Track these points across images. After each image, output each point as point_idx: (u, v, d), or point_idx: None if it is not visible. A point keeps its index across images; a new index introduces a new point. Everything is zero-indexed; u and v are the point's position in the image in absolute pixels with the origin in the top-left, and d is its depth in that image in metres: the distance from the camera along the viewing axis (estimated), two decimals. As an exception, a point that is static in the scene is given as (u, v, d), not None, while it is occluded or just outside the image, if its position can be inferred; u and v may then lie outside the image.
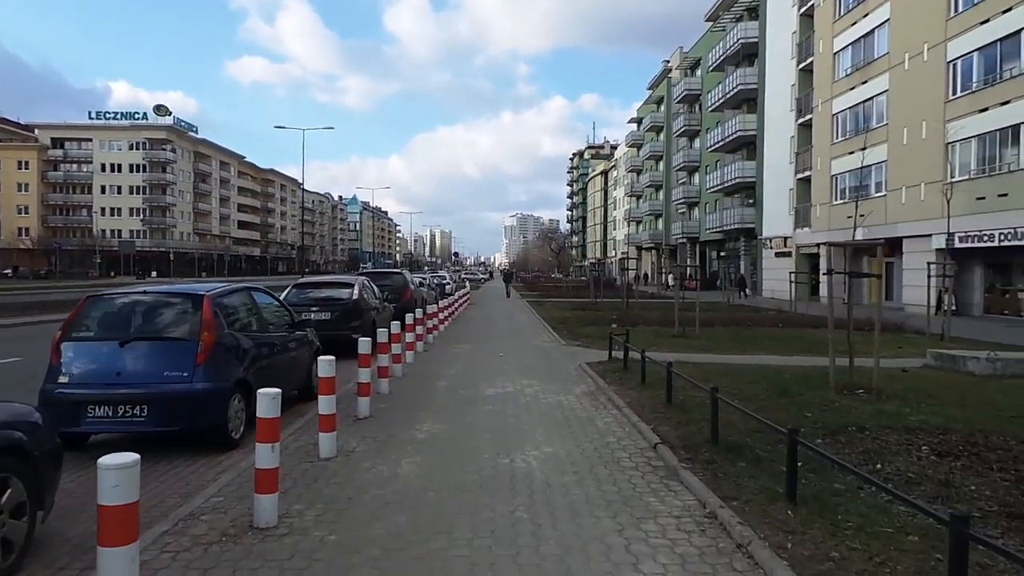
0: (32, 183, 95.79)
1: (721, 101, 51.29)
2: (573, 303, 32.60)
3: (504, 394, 8.86)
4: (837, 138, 35.88)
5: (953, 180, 26.82)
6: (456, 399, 8.56)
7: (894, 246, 33.29)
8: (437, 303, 20.19)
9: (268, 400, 4.49)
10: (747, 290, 50.80)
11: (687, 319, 17.94)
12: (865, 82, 33.07)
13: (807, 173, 39.18)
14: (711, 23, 57.32)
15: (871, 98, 32.82)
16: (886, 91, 31.33)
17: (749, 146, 49.44)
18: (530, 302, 34.28)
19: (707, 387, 6.41)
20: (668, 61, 76.54)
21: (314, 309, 12.69)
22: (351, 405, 7.73)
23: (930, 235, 28.18)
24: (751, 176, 47.44)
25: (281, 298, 13.15)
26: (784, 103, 42.65)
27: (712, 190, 54.00)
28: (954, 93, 27.00)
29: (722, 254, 59.90)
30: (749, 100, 49.18)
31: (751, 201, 48.18)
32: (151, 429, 6.01)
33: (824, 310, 28.39)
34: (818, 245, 38.38)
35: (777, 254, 43.91)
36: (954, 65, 27.01)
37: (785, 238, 42.80)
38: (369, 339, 7.89)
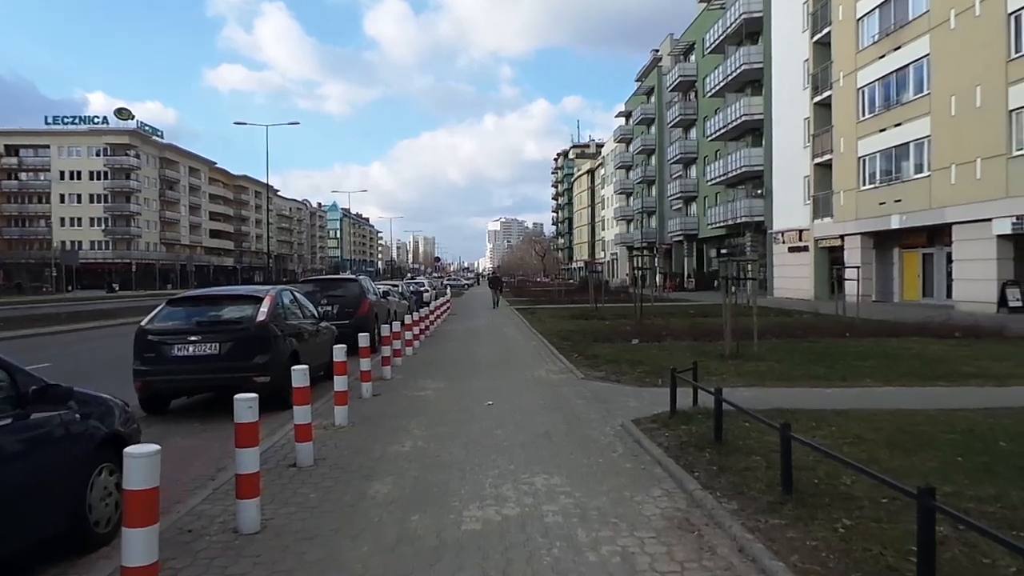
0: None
1: (721, 85, 47.06)
2: (571, 310, 28.03)
3: (502, 531, 4.10)
4: (864, 115, 31.60)
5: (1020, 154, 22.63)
6: (392, 564, 3.84)
7: (934, 234, 29.09)
8: (411, 315, 15.59)
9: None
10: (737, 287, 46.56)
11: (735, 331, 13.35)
12: (898, 48, 28.79)
13: (827, 157, 34.90)
14: (705, 3, 53.13)
15: (906, 66, 28.53)
16: (926, 56, 27.04)
17: (755, 132, 45.21)
18: (520, 310, 29.65)
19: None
20: (657, 50, 72.44)
21: (193, 339, 7.97)
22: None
23: (990, 219, 23.89)
24: (758, 164, 43.17)
25: (145, 322, 8.50)
26: (796, 81, 38.39)
27: (713, 182, 49.72)
28: (1019, 51, 22.72)
29: (723, 251, 55.66)
30: (753, 82, 44.99)
31: (759, 192, 43.90)
32: None
33: (875, 311, 23.74)
34: (841, 237, 34.13)
35: (791, 249, 39.59)
36: (1018, 17, 22.75)
37: (800, 231, 38.50)
38: (152, 450, 3.07)
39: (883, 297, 32.32)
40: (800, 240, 38.62)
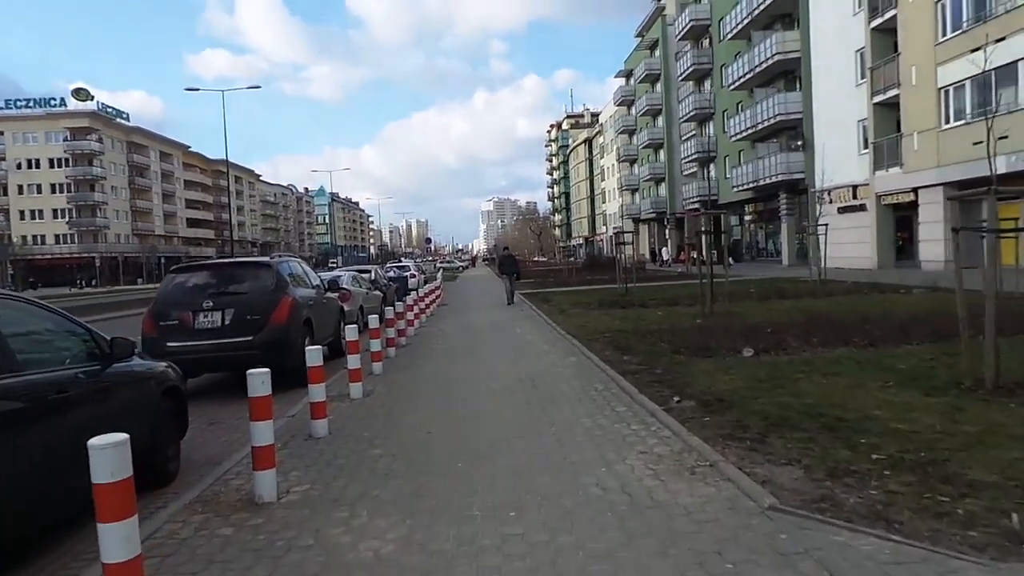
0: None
1: (746, 22, 40.55)
2: (593, 295, 21.92)
3: None
4: (945, 34, 25.31)
5: None
6: None
7: (1045, 181, 23.01)
8: (384, 310, 9.51)
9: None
10: (730, 260, 40.48)
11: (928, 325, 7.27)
12: (998, -59, 22.47)
13: (891, 94, 28.59)
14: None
15: (1009, -36, 22.24)
16: (1044, -55, 20.74)
17: (788, 75, 38.83)
18: (529, 296, 23.47)
19: None
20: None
21: None
22: None
23: None
24: (796, 112, 36.83)
25: None
26: (844, 5, 31.98)
27: (738, 137, 43.34)
28: None
29: (747, 217, 49.53)
30: (785, 16, 38.56)
31: (799, 143, 37.57)
32: None
33: (979, 281, 16.92)
34: (914, 191, 27.99)
35: (842, 209, 33.35)
36: None
37: (855, 187, 32.33)
38: None
39: (971, 262, 26.16)
40: (855, 198, 32.46)
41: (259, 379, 4.31)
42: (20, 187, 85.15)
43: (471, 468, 4.72)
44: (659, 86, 64.46)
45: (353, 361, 7.74)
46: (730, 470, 4.18)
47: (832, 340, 9.17)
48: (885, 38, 29.27)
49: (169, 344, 8.26)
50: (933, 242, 27.12)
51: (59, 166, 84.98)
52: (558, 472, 4.46)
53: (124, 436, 2.64)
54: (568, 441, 5.22)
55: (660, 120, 65.12)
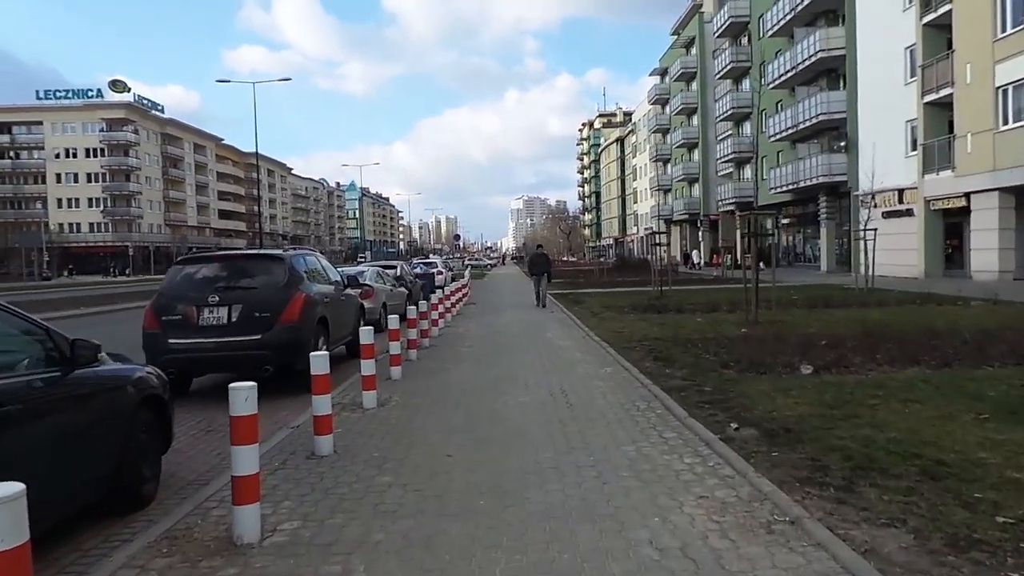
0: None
1: (788, 18, 39.20)
2: (626, 297, 21.07)
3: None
4: (1005, 30, 23.93)
5: None
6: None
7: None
8: (407, 309, 8.83)
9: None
10: (761, 265, 38.93)
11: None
12: (1069, -69, 21.09)
13: (944, 93, 27.19)
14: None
15: (1081, -45, 20.85)
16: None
17: (831, 73, 37.47)
18: (558, 296, 22.64)
19: None
20: (697, -4, 64.23)
21: None
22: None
23: None
24: (839, 111, 35.45)
25: None
26: (893, 0, 30.60)
27: (777, 138, 41.96)
28: None
29: (783, 221, 48.08)
30: (828, 12, 37.18)
31: (842, 144, 36.16)
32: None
33: None
34: (966, 195, 26.58)
35: (887, 214, 31.89)
36: None
37: (900, 190, 30.89)
38: None
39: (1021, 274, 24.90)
40: (901, 202, 31.05)
41: (242, 395, 3.58)
42: (58, 176, 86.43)
43: (495, 508, 3.94)
44: (695, 84, 63.13)
45: (367, 367, 7.00)
46: (819, 531, 3.33)
47: (899, 358, 8.22)
48: (938, 34, 27.87)
49: (171, 341, 7.65)
50: (986, 251, 25.77)
51: (95, 156, 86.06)
52: (601, 521, 3.65)
53: (19, 487, 1.92)
54: (610, 476, 4.40)
55: (695, 119, 63.78)
